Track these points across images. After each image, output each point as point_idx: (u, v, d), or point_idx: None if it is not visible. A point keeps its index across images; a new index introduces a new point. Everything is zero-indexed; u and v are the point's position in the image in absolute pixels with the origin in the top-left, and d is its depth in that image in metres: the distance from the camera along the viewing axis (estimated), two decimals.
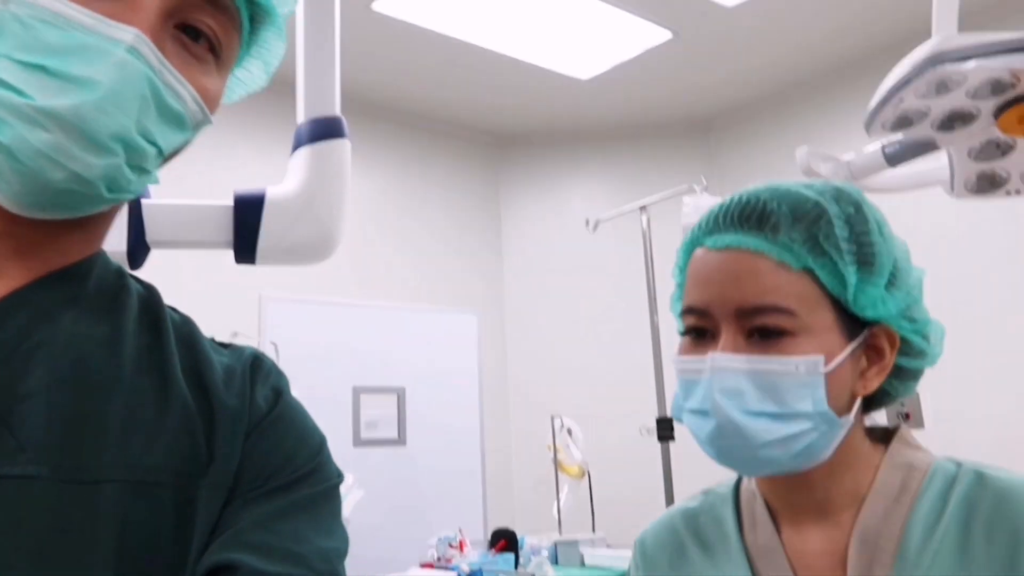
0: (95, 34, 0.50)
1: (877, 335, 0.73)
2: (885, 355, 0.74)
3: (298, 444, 0.59)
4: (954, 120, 1.22)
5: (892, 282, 0.72)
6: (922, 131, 1.24)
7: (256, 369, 0.61)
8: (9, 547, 0.46)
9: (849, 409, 0.72)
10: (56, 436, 0.49)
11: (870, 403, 0.79)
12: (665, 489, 2.76)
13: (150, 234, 1.09)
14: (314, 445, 0.59)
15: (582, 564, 3.18)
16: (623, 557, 3.12)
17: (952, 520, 0.69)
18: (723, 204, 0.76)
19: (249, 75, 0.66)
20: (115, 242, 1.01)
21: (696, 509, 0.85)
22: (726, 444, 0.72)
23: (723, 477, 0.88)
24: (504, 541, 3.03)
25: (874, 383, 0.74)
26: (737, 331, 0.71)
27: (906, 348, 0.75)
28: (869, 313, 0.72)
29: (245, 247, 1.11)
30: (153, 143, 0.53)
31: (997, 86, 1.11)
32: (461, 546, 2.90)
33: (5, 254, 0.53)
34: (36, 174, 0.49)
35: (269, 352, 2.62)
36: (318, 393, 2.52)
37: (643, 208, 2.99)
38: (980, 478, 0.71)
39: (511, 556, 2.97)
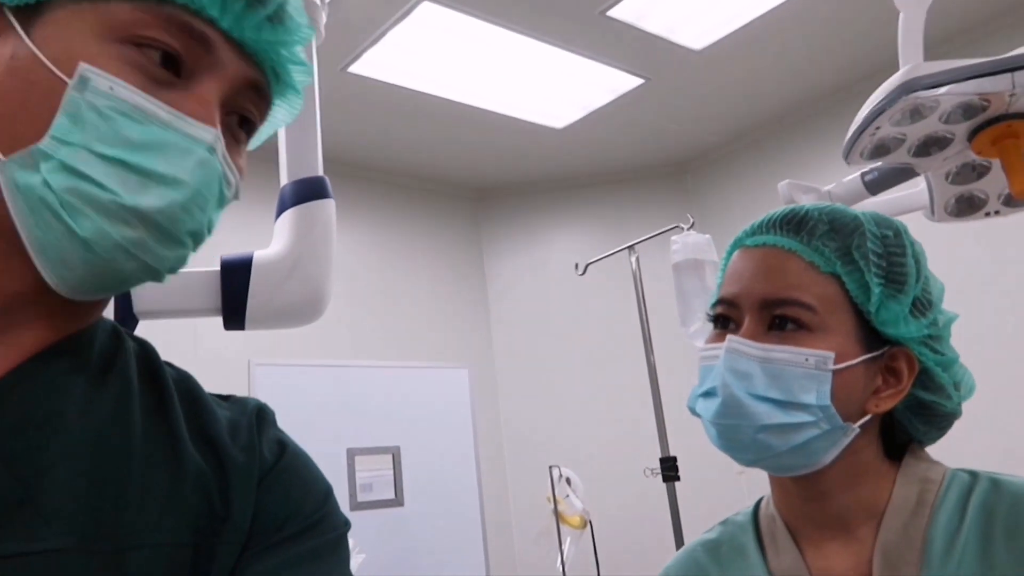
0: (175, 131, 0.50)
1: (896, 356, 0.75)
2: (902, 379, 0.75)
3: (305, 494, 0.59)
4: (930, 145, 1.24)
5: (918, 307, 0.74)
6: (899, 157, 1.26)
7: (261, 420, 0.61)
8: None
9: (856, 420, 0.73)
10: (79, 507, 0.48)
11: (894, 441, 0.80)
12: (673, 529, 2.72)
13: (138, 305, 1.08)
14: (321, 494, 0.59)
15: None
16: None
17: (972, 528, 0.69)
18: (768, 214, 0.80)
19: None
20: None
21: (717, 540, 0.85)
22: (728, 424, 0.73)
23: (726, 511, 0.87)
24: None
25: (887, 404, 0.74)
26: (759, 321, 0.74)
27: (926, 379, 0.76)
28: (890, 330, 0.74)
29: (234, 312, 1.10)
30: (210, 230, 0.54)
31: (969, 110, 1.14)
32: None
33: (24, 321, 0.52)
34: (108, 265, 0.49)
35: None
36: (312, 457, 2.49)
37: (631, 248, 3.01)
38: (995, 484, 0.72)
39: None
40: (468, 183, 4.70)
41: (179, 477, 0.53)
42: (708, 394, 0.75)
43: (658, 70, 3.63)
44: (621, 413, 4.23)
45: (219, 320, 1.10)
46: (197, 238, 0.52)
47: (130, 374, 0.56)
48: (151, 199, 0.48)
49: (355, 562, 2.46)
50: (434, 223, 4.58)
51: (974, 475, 0.74)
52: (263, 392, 3.02)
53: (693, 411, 0.79)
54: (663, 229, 3.00)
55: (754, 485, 3.66)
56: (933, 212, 1.40)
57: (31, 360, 0.52)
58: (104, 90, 0.49)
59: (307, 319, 1.19)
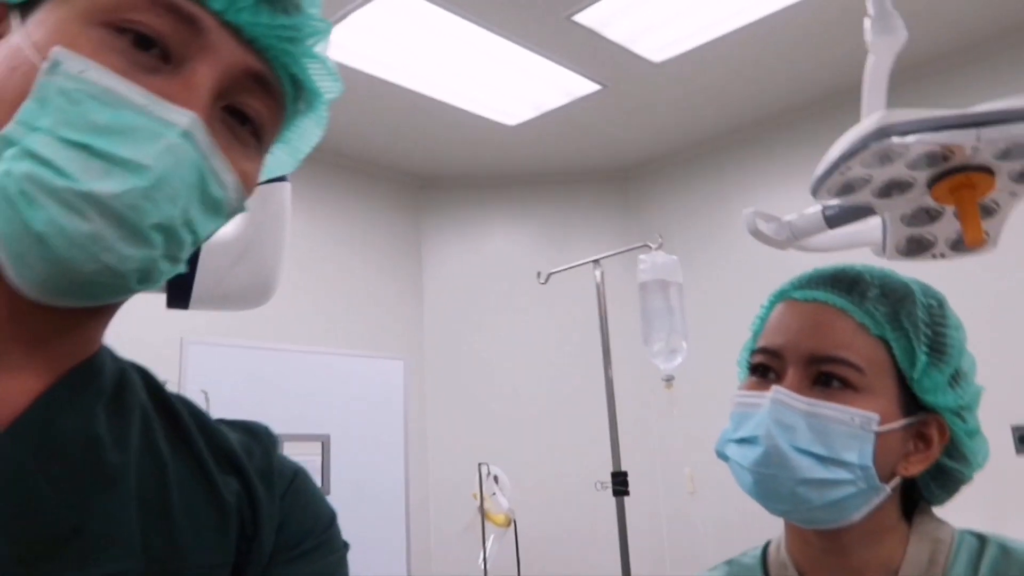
0: (147, 115, 0.47)
1: (929, 423, 0.77)
2: (932, 445, 0.77)
3: (318, 512, 0.60)
4: (892, 188, 1.28)
5: (955, 379, 0.76)
6: (863, 197, 1.30)
7: (273, 444, 0.61)
8: None
9: (888, 481, 0.75)
10: (131, 532, 0.47)
11: (911, 501, 0.82)
12: (620, 543, 2.75)
13: None
14: (329, 513, 0.61)
15: None
16: None
17: None
18: (816, 269, 0.82)
19: (274, 159, 0.62)
20: None
21: None
22: (768, 472, 0.73)
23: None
24: None
25: (916, 468, 0.77)
26: (804, 376, 0.75)
27: (952, 449, 0.79)
28: (929, 398, 0.76)
29: (178, 293, 1.06)
30: (193, 232, 0.50)
31: (932, 158, 1.18)
32: None
33: (20, 345, 0.49)
34: (65, 263, 0.44)
35: (199, 400, 2.50)
36: None
37: (596, 262, 3.01)
38: (1004, 551, 0.75)
39: None
40: (412, 171, 4.66)
41: (214, 501, 0.53)
42: (745, 441, 0.75)
43: (615, 78, 3.67)
44: (559, 420, 4.27)
45: (152, 296, 1.06)
46: (169, 235, 0.48)
47: (144, 401, 0.55)
48: (109, 185, 0.44)
49: None
50: (376, 209, 4.53)
51: (982, 539, 0.77)
52: (195, 372, 2.93)
53: (722, 455, 0.79)
54: (632, 246, 3.02)
55: (704, 500, 3.74)
56: (884, 250, 1.44)
57: (58, 386, 0.49)
58: (74, 73, 0.46)
59: (254, 304, 1.16)
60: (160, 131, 0.46)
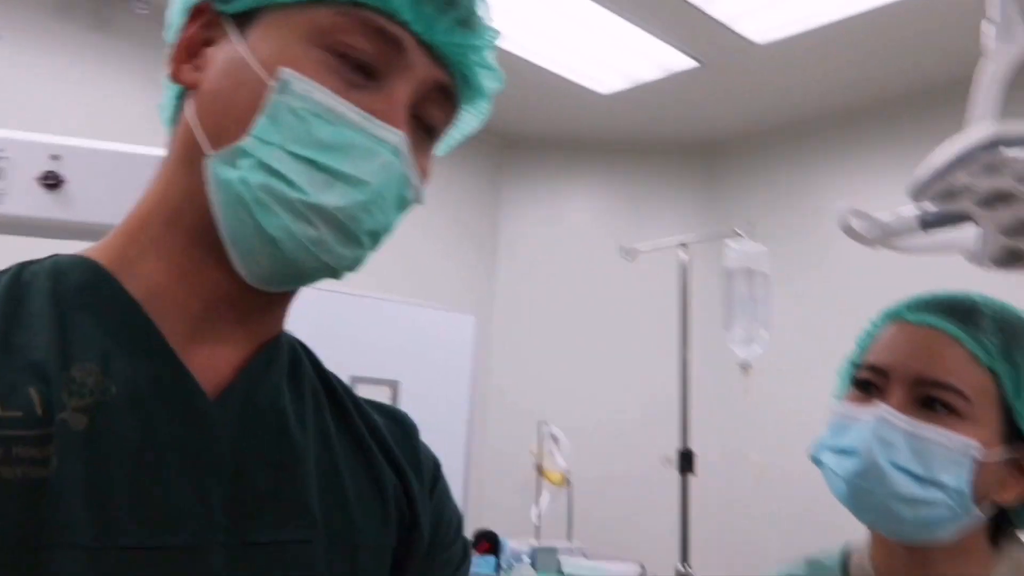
0: (364, 133, 0.52)
1: None
2: None
3: (455, 508, 0.66)
4: (995, 199, 1.27)
5: None
6: (962, 205, 1.29)
7: (416, 432, 0.67)
8: None
9: (980, 505, 0.77)
10: (316, 504, 0.53)
11: (999, 524, 0.84)
12: (681, 518, 2.79)
13: None
14: (459, 511, 0.67)
15: (559, 571, 3.23)
16: (600, 569, 3.17)
17: None
18: (932, 294, 0.84)
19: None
20: None
21: None
22: (864, 485, 0.77)
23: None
24: (487, 543, 3.06)
25: (1010, 495, 0.79)
26: (908, 397, 0.78)
27: None
28: None
29: None
30: (390, 230, 0.56)
31: None
32: None
33: (229, 322, 0.55)
34: (291, 263, 0.51)
35: None
36: None
37: (684, 245, 3.00)
38: None
39: (492, 559, 3.01)
40: (496, 130, 4.68)
41: (376, 485, 0.59)
42: (844, 452, 0.78)
43: (713, 55, 3.61)
44: (625, 392, 4.31)
45: None
46: (375, 238, 0.54)
47: (312, 378, 0.61)
48: (334, 198, 0.50)
49: None
50: (457, 164, 4.57)
51: None
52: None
53: (816, 460, 0.82)
54: (720, 232, 3.01)
55: (765, 479, 3.72)
56: (980, 259, 1.43)
57: (255, 360, 0.55)
58: (301, 93, 0.51)
59: None
60: (376, 149, 0.52)
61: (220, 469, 0.50)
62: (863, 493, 0.77)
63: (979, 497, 0.77)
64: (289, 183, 0.50)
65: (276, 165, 0.50)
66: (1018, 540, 0.84)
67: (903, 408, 0.78)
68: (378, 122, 0.53)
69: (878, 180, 3.90)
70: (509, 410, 4.34)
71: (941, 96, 3.66)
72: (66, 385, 0.46)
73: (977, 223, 1.34)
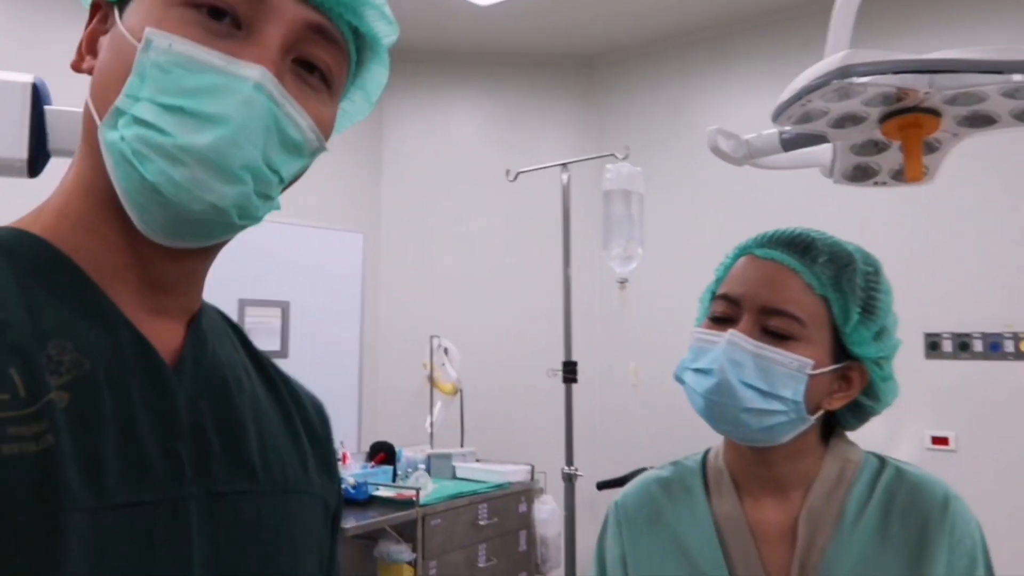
0: (225, 74, 0.54)
1: (853, 368, 0.90)
2: (853, 386, 0.91)
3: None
4: (846, 121, 1.38)
5: (879, 335, 0.89)
6: (819, 127, 1.39)
7: (329, 425, 0.73)
8: (245, 555, 0.56)
9: (814, 413, 0.88)
10: (259, 458, 0.59)
11: (829, 425, 0.96)
12: (566, 425, 2.94)
13: (52, 142, 1.06)
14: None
15: (454, 476, 3.37)
16: (492, 471, 3.33)
17: (877, 504, 0.88)
18: (776, 230, 0.93)
19: (353, 105, 0.71)
20: (15, 149, 0.99)
21: (668, 478, 1.00)
22: (717, 400, 0.87)
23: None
24: (383, 454, 3.14)
25: (837, 403, 0.91)
26: (756, 323, 0.88)
27: (868, 389, 0.93)
28: (855, 349, 0.89)
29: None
30: (276, 172, 0.58)
31: (887, 98, 1.28)
32: (344, 458, 3.00)
33: (164, 293, 0.59)
34: (177, 206, 0.53)
35: None
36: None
37: (564, 166, 3.06)
38: (899, 472, 0.91)
39: (390, 468, 3.10)
40: None
41: (301, 444, 0.65)
42: (701, 372, 0.88)
43: None
44: (513, 307, 4.40)
45: None
46: (256, 174, 0.55)
47: (239, 349, 0.65)
48: (201, 137, 0.53)
49: None
50: None
51: (883, 461, 0.93)
52: None
53: (680, 379, 0.91)
54: (598, 155, 3.07)
55: (649, 394, 3.94)
56: (832, 173, 1.55)
57: (193, 329, 0.60)
58: (164, 47, 0.54)
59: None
60: (236, 86, 0.54)
61: (184, 431, 0.55)
62: (717, 407, 0.88)
63: (812, 406, 0.89)
64: (160, 131, 0.53)
65: (147, 117, 0.53)
66: (845, 440, 0.97)
67: (751, 332, 0.88)
68: (237, 61, 0.55)
69: (752, 95, 4.05)
70: (401, 325, 4.38)
71: (816, 7, 3.80)
72: (46, 364, 0.49)
73: (831, 142, 1.45)
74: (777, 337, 0.87)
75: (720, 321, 0.92)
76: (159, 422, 0.54)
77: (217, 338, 0.63)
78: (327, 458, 0.69)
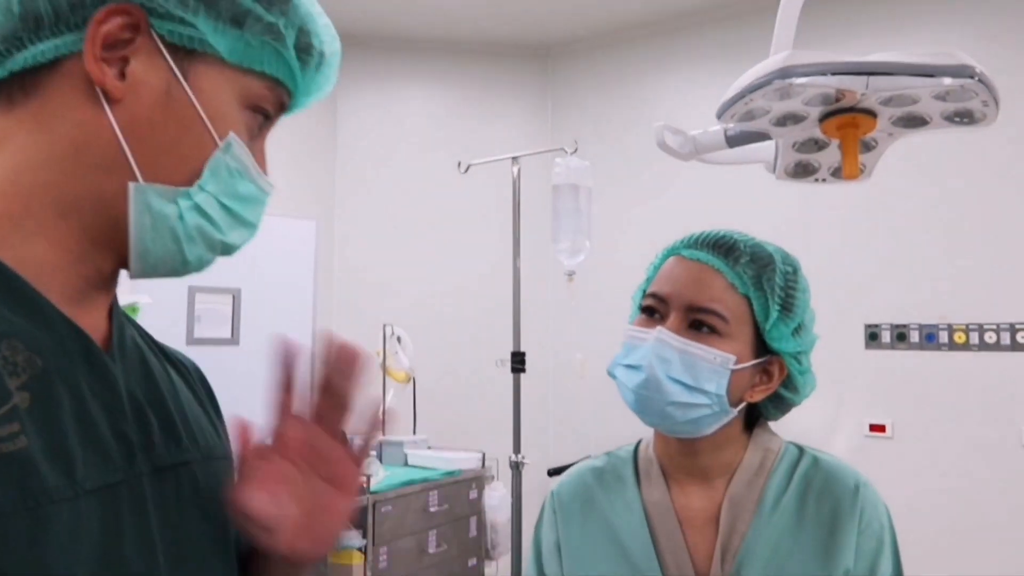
0: (260, 189, 0.65)
1: (773, 363, 0.95)
2: (773, 379, 0.96)
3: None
4: (787, 119, 1.43)
5: (798, 331, 0.94)
6: (761, 125, 1.44)
7: (200, 372, 0.78)
8: (190, 522, 0.60)
9: (736, 405, 0.93)
10: (186, 431, 0.63)
11: (752, 416, 1.01)
12: (514, 413, 2.97)
13: None
14: None
15: (405, 463, 3.38)
16: (443, 458, 3.35)
17: (794, 490, 0.93)
18: (702, 232, 0.98)
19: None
20: None
21: (602, 467, 1.05)
22: (646, 394, 0.91)
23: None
24: None
25: (758, 396, 0.96)
26: (683, 320, 0.92)
27: (787, 382, 0.97)
28: (775, 344, 0.93)
29: None
30: None
31: (826, 98, 1.33)
32: None
33: (99, 290, 0.62)
34: (180, 273, 0.63)
35: None
36: (154, 293, 2.48)
37: (515, 159, 3.08)
38: (815, 461, 0.96)
39: None
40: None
41: (207, 410, 0.70)
42: (632, 367, 0.92)
43: None
44: (464, 297, 4.43)
45: None
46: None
47: (136, 335, 0.68)
48: (236, 237, 0.64)
49: None
50: None
51: (801, 450, 0.98)
52: None
53: (612, 375, 0.95)
54: (546, 148, 3.09)
55: (594, 381, 3.96)
56: (775, 170, 1.60)
57: (113, 317, 0.63)
58: (237, 155, 0.62)
59: None
60: (263, 199, 0.67)
61: (127, 413, 0.59)
62: (645, 400, 0.93)
63: (735, 399, 0.94)
64: (215, 226, 0.62)
65: (209, 211, 0.61)
66: (767, 430, 1.02)
67: (677, 330, 0.92)
68: (264, 178, 0.66)
69: (703, 92, 4.12)
70: (354, 313, 4.37)
71: (766, 5, 3.87)
72: (3, 366, 0.51)
73: (773, 140, 1.50)
74: (702, 334, 0.92)
75: (650, 318, 0.95)
76: (107, 408, 0.57)
77: (128, 322, 0.67)
78: (219, 418, 0.74)
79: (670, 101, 4.29)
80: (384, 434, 3.53)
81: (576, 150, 2.85)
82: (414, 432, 3.65)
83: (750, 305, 0.93)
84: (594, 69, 4.61)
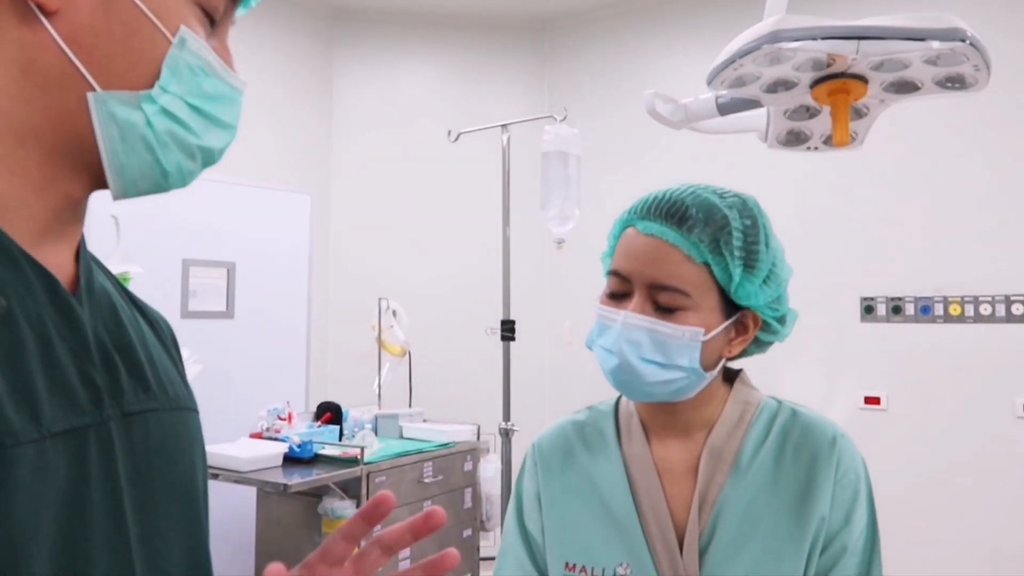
0: (229, 85, 0.62)
1: (746, 316, 0.95)
2: (749, 331, 0.96)
3: None
4: (778, 86, 1.41)
5: (767, 281, 0.92)
6: (752, 91, 1.42)
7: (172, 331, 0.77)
8: (156, 470, 0.60)
9: (715, 366, 0.94)
10: (155, 380, 0.62)
11: (731, 370, 1.01)
12: (504, 380, 2.98)
13: None
14: None
15: (401, 436, 3.40)
16: (438, 431, 3.36)
17: (772, 442, 0.94)
18: (655, 197, 0.95)
19: None
20: None
21: (583, 421, 1.05)
22: (624, 378, 0.93)
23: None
24: (330, 414, 3.16)
25: (737, 350, 0.96)
26: (647, 299, 0.92)
27: (765, 328, 0.97)
28: (744, 302, 0.93)
29: None
30: None
31: (816, 64, 1.31)
32: (290, 418, 3.00)
33: (68, 223, 0.60)
34: (164, 186, 0.61)
35: (110, 227, 2.52)
36: (148, 265, 2.48)
37: (504, 127, 3.07)
38: (793, 414, 0.96)
39: (336, 428, 3.11)
40: (327, 2, 4.46)
41: (176, 361, 0.69)
42: (606, 350, 0.93)
43: None
44: (457, 268, 4.43)
45: None
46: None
47: (105, 279, 0.66)
48: (215, 140, 0.62)
49: (191, 372, 2.52)
50: (287, 39, 4.34)
51: (780, 404, 0.98)
52: (104, 196, 2.89)
53: (591, 348, 0.96)
54: (536, 116, 3.07)
55: (581, 351, 3.97)
56: (766, 138, 1.59)
57: (81, 257, 0.61)
58: (195, 50, 0.59)
59: None
60: (237, 97, 0.64)
61: (94, 357, 0.57)
62: (624, 383, 0.94)
63: (710, 363, 0.94)
64: (187, 128, 0.59)
65: (178, 113, 0.59)
66: (747, 384, 1.02)
67: (643, 309, 0.92)
68: (233, 74, 0.63)
69: (697, 62, 4.09)
70: (349, 287, 4.37)
71: None
72: None
73: (765, 107, 1.49)
74: (668, 311, 0.91)
75: (616, 297, 0.96)
76: (73, 351, 0.56)
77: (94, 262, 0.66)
78: (184, 372, 0.73)
79: (666, 75, 4.26)
80: (380, 408, 3.54)
81: (566, 118, 2.83)
82: (410, 405, 3.66)
83: (711, 272, 0.92)
84: (590, 43, 4.58)
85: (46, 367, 0.53)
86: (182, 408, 0.65)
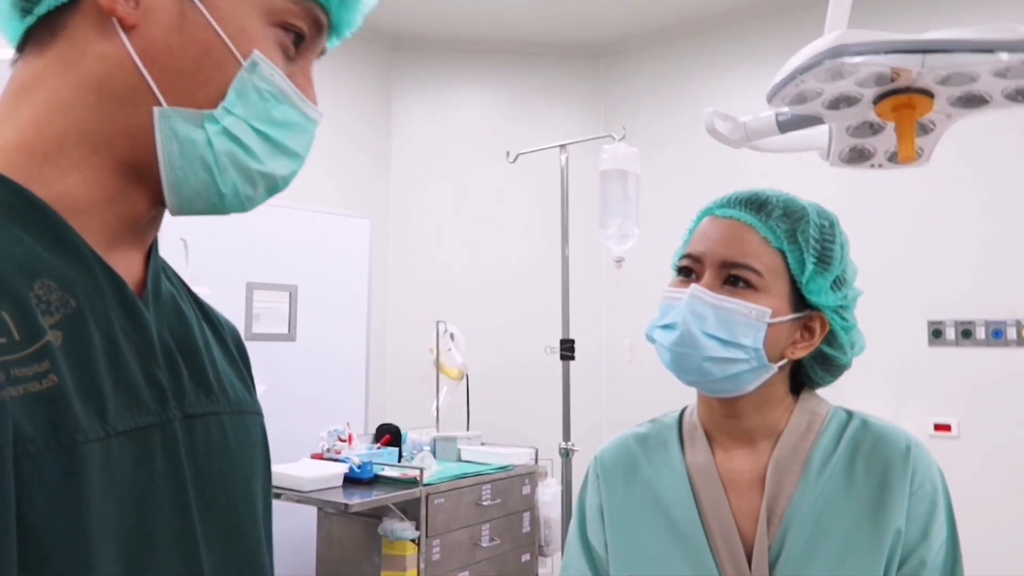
0: (301, 113, 0.63)
1: (813, 318, 0.94)
2: (815, 335, 0.94)
3: None
4: (840, 102, 1.39)
5: (837, 284, 0.92)
6: (813, 108, 1.41)
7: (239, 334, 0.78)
8: (217, 472, 0.61)
9: (777, 361, 0.92)
10: (217, 383, 0.63)
11: (797, 381, 0.99)
12: (563, 399, 2.97)
13: None
14: None
15: (459, 459, 3.40)
16: (495, 453, 3.36)
17: (843, 453, 0.91)
18: (735, 191, 0.97)
19: None
20: None
21: (646, 433, 1.05)
22: (682, 351, 0.91)
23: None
24: (389, 436, 3.18)
25: (800, 352, 0.94)
26: (717, 277, 0.92)
27: (831, 338, 0.96)
28: (814, 298, 0.92)
29: None
30: None
31: (880, 78, 1.29)
32: (350, 439, 3.04)
33: (137, 232, 0.62)
34: (220, 208, 0.61)
35: (179, 247, 2.60)
36: (214, 288, 2.54)
37: (563, 147, 3.09)
38: (864, 424, 0.94)
39: (395, 450, 3.14)
40: (385, 31, 4.56)
41: (239, 366, 0.71)
42: (667, 327, 0.92)
43: None
44: (515, 288, 4.45)
45: None
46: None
47: (173, 284, 0.68)
48: (279, 167, 0.62)
49: (259, 390, 2.58)
50: (348, 68, 4.44)
51: (850, 414, 0.96)
52: (174, 219, 2.99)
53: (650, 338, 0.95)
54: (595, 136, 3.09)
55: (641, 370, 3.97)
56: (828, 156, 1.57)
57: (151, 261, 0.63)
58: (266, 75, 0.60)
59: None
60: (309, 127, 0.64)
61: (159, 358, 0.59)
62: (682, 357, 0.92)
63: (774, 354, 0.92)
64: (248, 152, 0.60)
65: (241, 136, 0.59)
66: (815, 395, 1.00)
67: (712, 286, 0.92)
68: (308, 103, 0.63)
69: (756, 83, 4.05)
70: (407, 311, 4.42)
71: (816, 1, 3.80)
72: (37, 305, 0.51)
73: (826, 124, 1.47)
74: (737, 289, 0.91)
75: (685, 277, 0.95)
76: (139, 351, 0.57)
77: (165, 269, 0.67)
78: (252, 381, 0.74)
79: (721, 97, 4.24)
80: (438, 430, 3.56)
81: (624, 136, 2.84)
82: (468, 428, 3.67)
83: (785, 259, 0.92)
84: (645, 67, 4.58)
85: (112, 366, 0.54)
86: (244, 412, 0.66)
